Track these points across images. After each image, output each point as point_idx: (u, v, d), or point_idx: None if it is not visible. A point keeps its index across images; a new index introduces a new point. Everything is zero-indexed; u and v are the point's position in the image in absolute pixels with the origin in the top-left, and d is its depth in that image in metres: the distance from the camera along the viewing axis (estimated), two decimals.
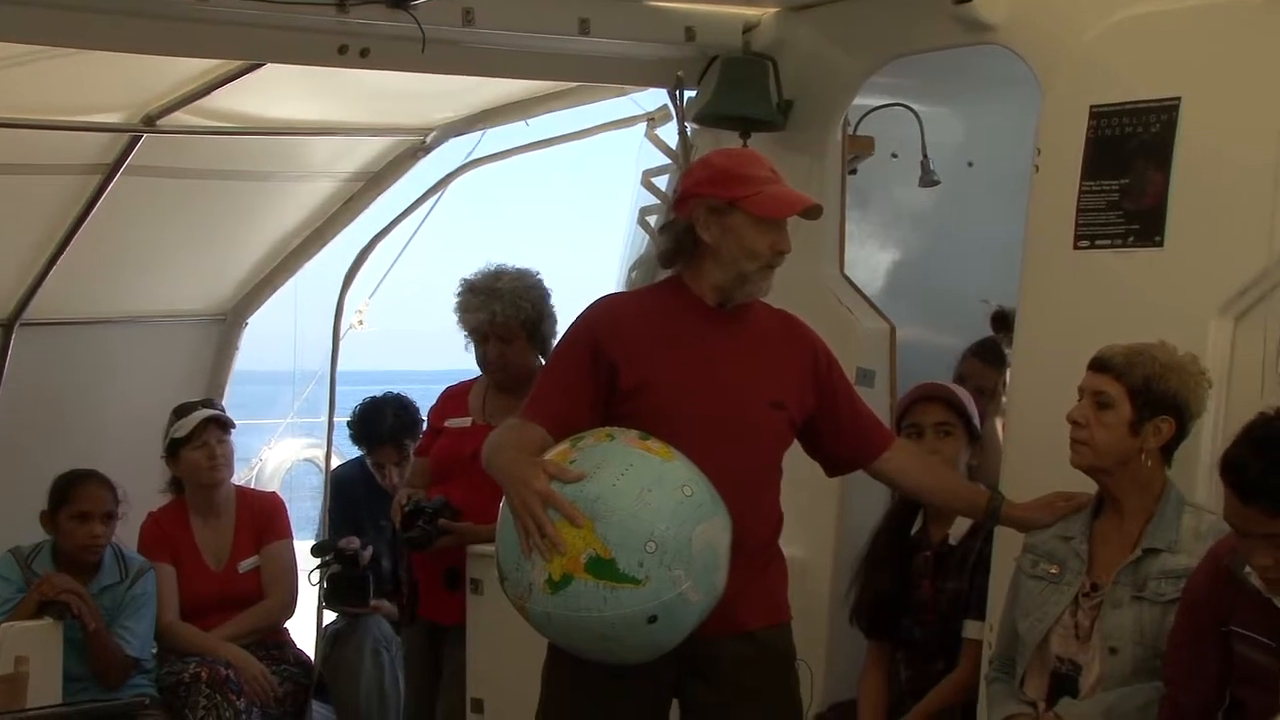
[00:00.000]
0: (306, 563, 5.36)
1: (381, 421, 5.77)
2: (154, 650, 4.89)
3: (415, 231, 6.61)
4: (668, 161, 5.33)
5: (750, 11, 4.83)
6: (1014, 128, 4.47)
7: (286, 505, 5.48)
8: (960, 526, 4.17)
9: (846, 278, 4.83)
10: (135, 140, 5.45)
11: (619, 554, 3.09)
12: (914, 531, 4.26)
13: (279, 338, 9.43)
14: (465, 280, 4.78)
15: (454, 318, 4.85)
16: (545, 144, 6.11)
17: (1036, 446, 3.83)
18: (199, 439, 5.11)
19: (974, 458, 4.30)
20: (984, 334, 5.09)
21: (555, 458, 3.23)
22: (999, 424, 4.50)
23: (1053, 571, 3.47)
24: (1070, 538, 3.47)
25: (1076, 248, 3.84)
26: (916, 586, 4.18)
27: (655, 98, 5.37)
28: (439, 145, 6.16)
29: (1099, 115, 3.82)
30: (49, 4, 3.97)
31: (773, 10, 4.81)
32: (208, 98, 5.18)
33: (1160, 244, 3.68)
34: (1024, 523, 3.60)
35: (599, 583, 3.09)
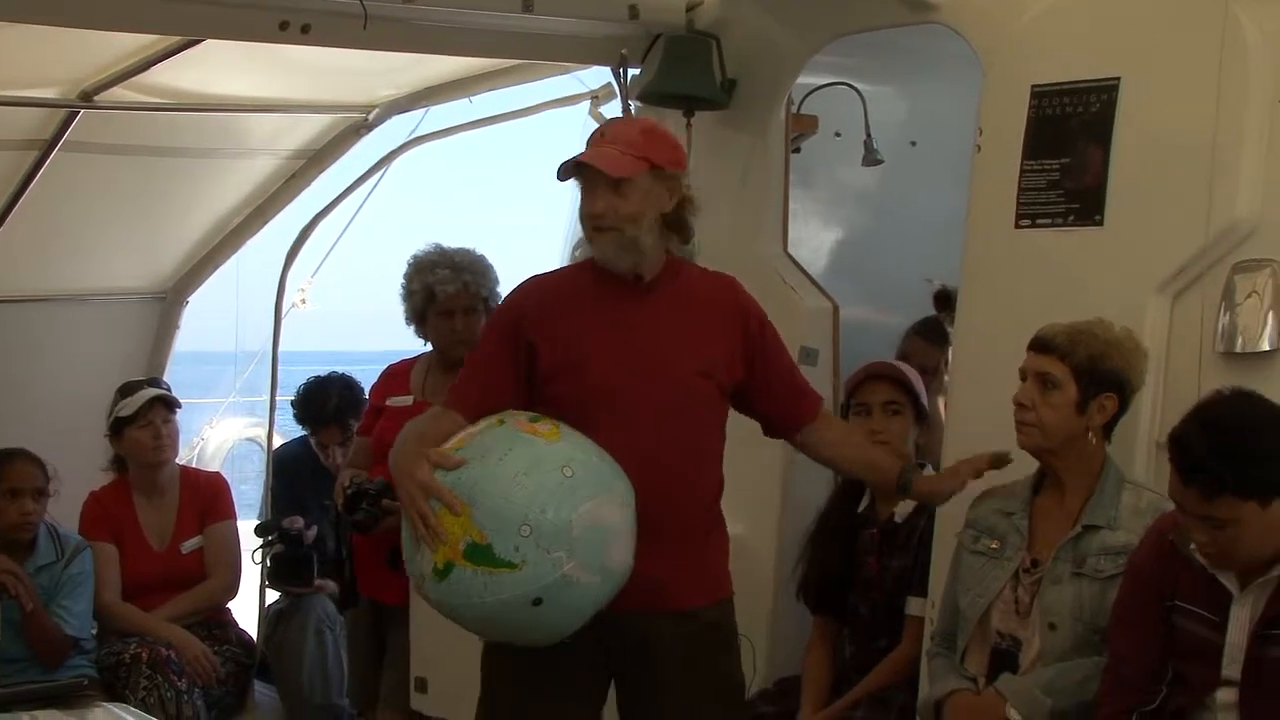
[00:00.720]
0: (250, 542, 5.34)
1: (326, 401, 5.74)
2: (94, 631, 4.85)
3: (358, 210, 6.59)
4: None
5: None
6: (957, 107, 4.49)
7: (230, 485, 5.45)
8: (907, 504, 4.19)
9: (790, 256, 4.84)
10: (72, 116, 5.38)
11: (495, 539, 3.09)
12: (861, 508, 4.28)
13: (220, 317, 9.35)
14: (436, 252, 4.78)
15: (398, 297, 4.83)
16: (489, 122, 6.08)
17: (978, 424, 3.85)
18: (144, 418, 5.07)
19: (921, 436, 4.32)
20: (927, 313, 5.11)
21: (449, 446, 3.24)
22: (941, 402, 4.53)
23: (993, 547, 3.50)
24: (1011, 513, 3.50)
25: (1018, 227, 3.86)
26: (862, 564, 4.20)
27: (599, 76, 5.36)
28: (381, 123, 6.12)
29: (1040, 95, 3.85)
30: None
31: None
32: (147, 73, 5.12)
33: (1100, 223, 3.71)
34: (931, 495, 3.65)
35: (477, 569, 3.10)
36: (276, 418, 6.26)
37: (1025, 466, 3.52)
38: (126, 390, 5.18)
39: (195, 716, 4.71)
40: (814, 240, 5.47)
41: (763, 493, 4.59)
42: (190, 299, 6.78)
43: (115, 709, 4.04)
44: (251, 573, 5.35)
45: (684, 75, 4.79)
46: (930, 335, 5.02)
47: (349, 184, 6.36)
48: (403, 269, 4.83)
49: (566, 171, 3.37)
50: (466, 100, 5.90)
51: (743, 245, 4.85)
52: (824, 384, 4.64)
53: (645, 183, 3.34)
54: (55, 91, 5.30)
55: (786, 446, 4.57)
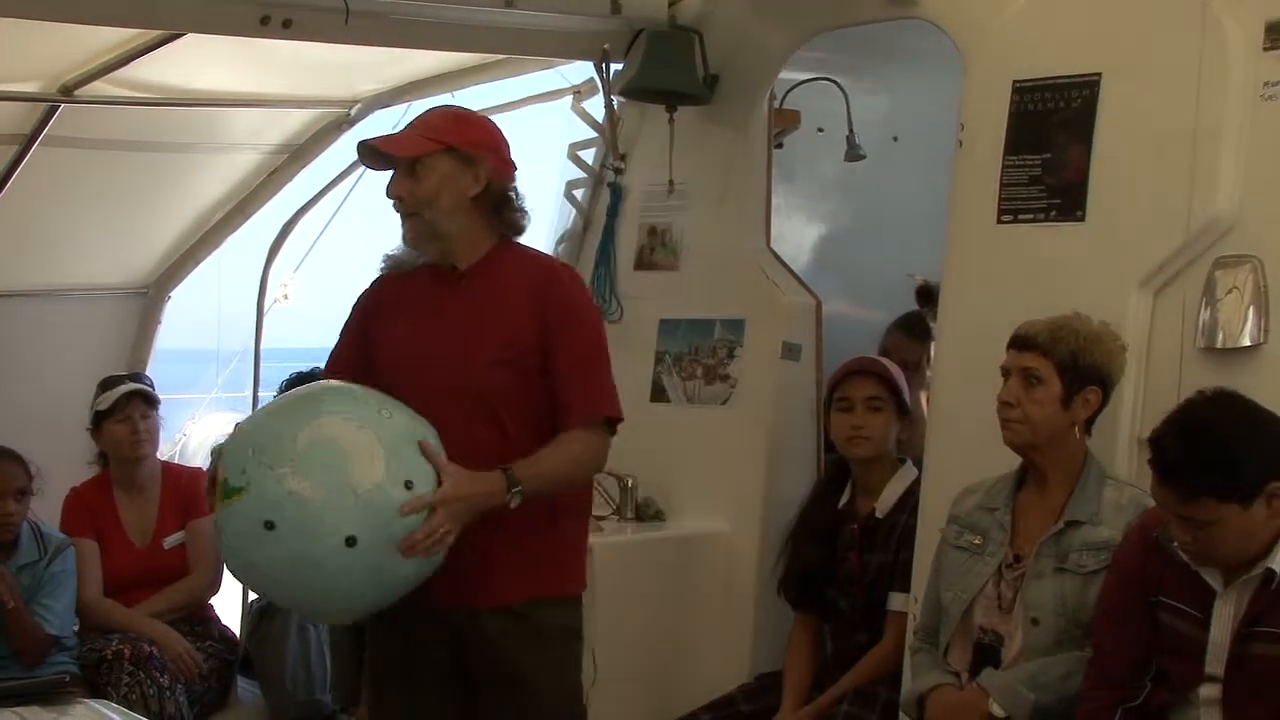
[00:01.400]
0: None
1: None
2: (75, 627, 4.83)
3: (341, 205, 6.55)
4: (594, 135, 5.32)
5: None
6: (939, 103, 4.50)
7: None
8: (887, 500, 4.21)
9: (773, 251, 4.85)
10: (52, 110, 5.35)
11: (230, 472, 3.05)
12: (842, 504, 4.29)
13: (202, 312, 9.34)
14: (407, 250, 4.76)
15: None
16: None
17: (960, 419, 3.86)
18: (122, 412, 5.05)
19: (904, 431, 4.33)
20: (909, 308, 5.12)
21: None
22: (924, 397, 4.54)
23: (976, 543, 3.50)
24: (994, 509, 3.50)
25: (999, 222, 3.87)
26: (843, 559, 4.21)
27: (581, 71, 5.35)
28: (364, 118, 6.10)
29: (1021, 90, 3.86)
30: None
31: None
32: (127, 67, 5.10)
33: (1082, 218, 3.72)
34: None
35: (223, 505, 3.07)
36: None
37: (1008, 462, 3.53)
38: (106, 385, 5.15)
39: (178, 713, 4.69)
40: (796, 235, 5.48)
41: (746, 489, 4.60)
42: (172, 294, 6.75)
43: (97, 705, 4.00)
44: None
45: (666, 70, 4.79)
46: (912, 330, 5.03)
47: (331, 179, 6.33)
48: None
49: (364, 158, 3.32)
50: (449, 95, 5.88)
51: (725, 240, 4.85)
52: (806, 379, 4.67)
53: (443, 165, 3.25)
54: (35, 86, 5.27)
55: (769, 442, 4.61)
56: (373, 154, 3.32)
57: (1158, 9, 3.69)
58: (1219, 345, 3.44)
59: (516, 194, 3.36)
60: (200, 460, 8.96)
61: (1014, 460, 3.51)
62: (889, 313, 5.19)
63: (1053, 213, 3.77)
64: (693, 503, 4.73)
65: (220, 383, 9.57)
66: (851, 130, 5.38)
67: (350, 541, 2.97)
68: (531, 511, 3.20)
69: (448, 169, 3.26)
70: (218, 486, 3.10)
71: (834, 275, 5.30)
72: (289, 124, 6.14)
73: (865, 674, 4.09)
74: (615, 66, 4.99)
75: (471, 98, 5.83)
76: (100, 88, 5.26)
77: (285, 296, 7.55)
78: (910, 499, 4.12)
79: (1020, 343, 3.42)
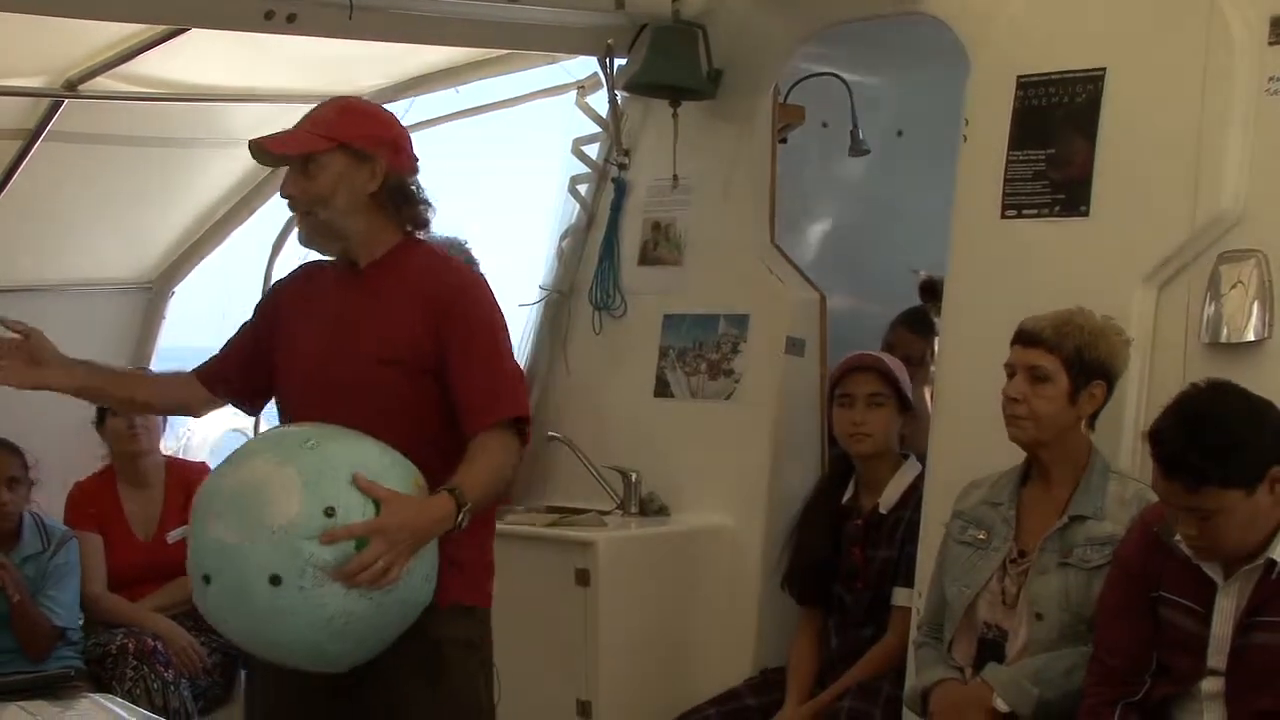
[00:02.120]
0: None
1: None
2: (80, 621, 4.84)
3: None
4: (598, 130, 5.32)
5: None
6: (943, 98, 4.49)
7: None
8: (891, 495, 4.22)
9: (777, 247, 4.85)
10: (57, 105, 5.35)
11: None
12: (846, 499, 4.29)
13: (206, 308, 9.32)
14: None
15: None
16: (475, 111, 6.06)
17: (964, 414, 3.86)
18: None
19: (906, 427, 4.33)
20: (913, 303, 5.12)
21: None
22: (927, 393, 4.54)
23: (980, 538, 3.50)
24: (999, 504, 3.51)
25: (1004, 217, 3.87)
26: (847, 554, 4.22)
27: (585, 65, 5.34)
28: None
29: (1025, 85, 3.85)
30: None
31: None
32: (132, 62, 5.10)
33: (1086, 214, 3.72)
34: None
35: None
36: None
37: (1012, 457, 3.53)
38: None
39: (182, 707, 4.70)
40: (801, 230, 5.48)
41: (750, 484, 4.60)
42: (176, 290, 6.75)
43: (102, 700, 4.01)
44: None
45: (670, 65, 4.79)
46: (916, 326, 5.02)
47: None
48: None
49: (256, 156, 3.24)
50: (453, 90, 5.89)
51: (729, 235, 4.85)
52: (810, 375, 4.66)
53: (336, 163, 3.13)
54: (39, 81, 5.27)
55: (774, 437, 4.61)
56: (265, 151, 3.22)
57: (1162, 4, 3.70)
58: (1223, 340, 3.44)
59: (418, 187, 3.25)
60: (205, 455, 8.97)
61: (1018, 455, 3.51)
62: (893, 308, 5.19)
63: (1057, 208, 3.77)
64: (697, 498, 4.73)
65: None
66: (856, 125, 5.37)
67: (274, 580, 2.82)
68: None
69: (341, 167, 3.14)
70: None
71: (838, 270, 5.29)
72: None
73: (869, 669, 4.09)
74: (619, 61, 4.99)
75: (475, 92, 5.84)
76: (105, 83, 5.26)
77: None
78: (914, 494, 4.12)
79: (1026, 338, 3.42)
